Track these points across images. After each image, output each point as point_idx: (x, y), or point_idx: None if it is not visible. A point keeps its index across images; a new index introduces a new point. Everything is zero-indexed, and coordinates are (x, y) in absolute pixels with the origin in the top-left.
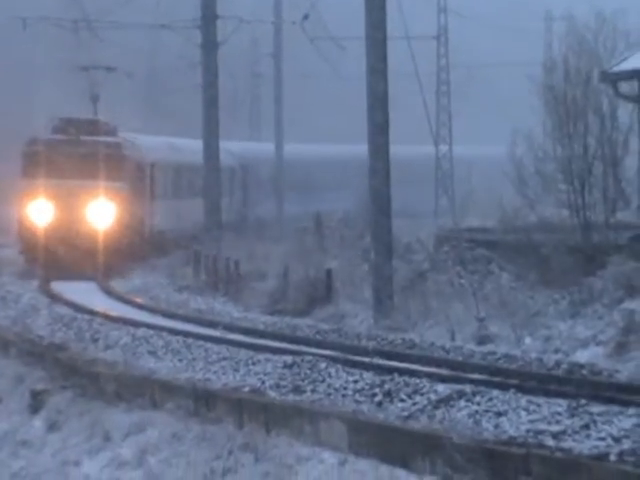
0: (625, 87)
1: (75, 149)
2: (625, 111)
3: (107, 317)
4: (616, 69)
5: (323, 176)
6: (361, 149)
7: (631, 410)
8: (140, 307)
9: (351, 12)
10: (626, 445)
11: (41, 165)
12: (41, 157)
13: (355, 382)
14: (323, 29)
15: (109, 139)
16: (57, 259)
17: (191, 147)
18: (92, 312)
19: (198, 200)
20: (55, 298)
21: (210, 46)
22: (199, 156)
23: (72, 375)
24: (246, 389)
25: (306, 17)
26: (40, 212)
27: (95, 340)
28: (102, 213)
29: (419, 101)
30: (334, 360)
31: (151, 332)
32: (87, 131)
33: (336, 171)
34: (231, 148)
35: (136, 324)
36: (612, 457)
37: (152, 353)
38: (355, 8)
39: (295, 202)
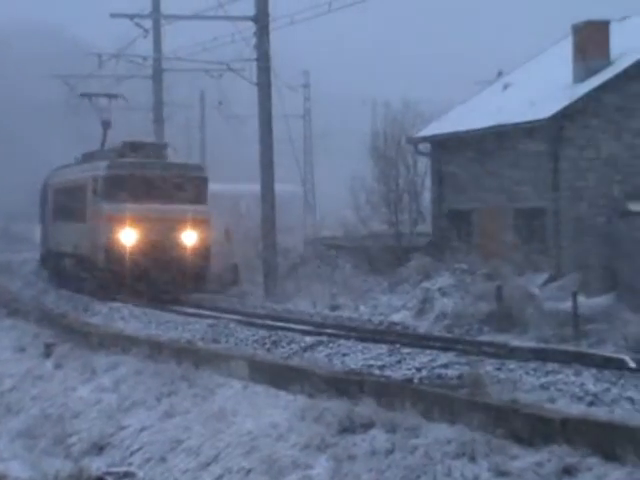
0: (422, 147)
1: (159, 172)
2: (422, 163)
3: (93, 295)
4: (416, 136)
5: None
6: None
7: (427, 351)
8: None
9: (251, 96)
10: (423, 373)
11: (125, 187)
12: (124, 180)
13: (253, 335)
14: (231, 109)
15: (192, 162)
16: (145, 280)
17: None
18: (83, 292)
19: None
20: (59, 284)
21: (160, 122)
22: None
23: (71, 333)
24: (183, 340)
25: (220, 103)
26: (129, 236)
27: (86, 310)
28: (193, 235)
29: (292, 158)
30: (239, 322)
31: (121, 305)
32: (154, 154)
33: None
34: None
35: (112, 300)
36: (415, 380)
37: (122, 318)
38: (254, 95)
39: None
